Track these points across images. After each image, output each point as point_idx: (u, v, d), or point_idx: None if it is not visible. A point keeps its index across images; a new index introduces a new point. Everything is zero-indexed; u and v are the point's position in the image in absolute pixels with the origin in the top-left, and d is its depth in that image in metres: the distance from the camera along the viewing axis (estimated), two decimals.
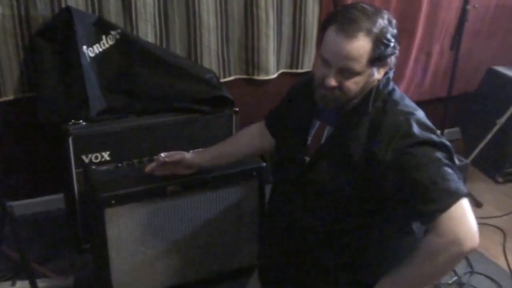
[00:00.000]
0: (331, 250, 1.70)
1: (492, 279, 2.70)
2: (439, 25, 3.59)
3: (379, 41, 1.54)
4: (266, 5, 3.07)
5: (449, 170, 1.52)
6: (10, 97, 2.75)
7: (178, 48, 3.00)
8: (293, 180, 1.74)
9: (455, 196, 1.48)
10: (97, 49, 2.68)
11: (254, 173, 2.36)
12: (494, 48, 3.86)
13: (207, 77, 2.82)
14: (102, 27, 2.69)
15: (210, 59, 3.08)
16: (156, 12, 2.90)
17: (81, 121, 2.54)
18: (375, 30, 1.53)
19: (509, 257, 2.86)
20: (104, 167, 2.39)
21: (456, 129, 4.03)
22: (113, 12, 2.79)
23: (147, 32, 2.89)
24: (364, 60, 1.54)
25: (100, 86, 2.66)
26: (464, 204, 1.49)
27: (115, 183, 2.20)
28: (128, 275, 2.25)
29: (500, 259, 2.86)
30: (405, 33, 3.50)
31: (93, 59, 2.64)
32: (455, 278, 2.66)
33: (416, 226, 1.73)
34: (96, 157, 2.55)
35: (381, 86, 1.64)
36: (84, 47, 2.58)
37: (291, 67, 3.36)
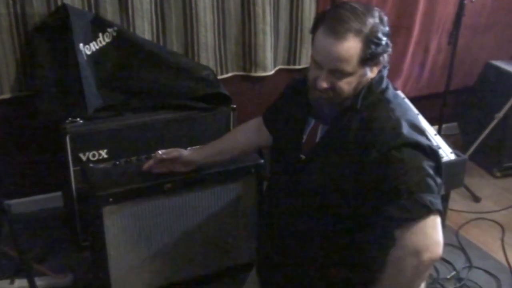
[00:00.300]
0: (326, 248, 1.70)
1: (491, 273, 2.70)
2: (436, 20, 3.59)
3: (369, 41, 1.52)
4: (263, 2, 3.06)
5: (431, 182, 1.50)
6: (7, 95, 2.74)
7: (175, 45, 3.00)
8: (288, 178, 1.74)
9: (426, 210, 1.47)
10: (93, 46, 2.67)
11: (252, 170, 2.36)
12: (492, 43, 3.86)
13: (204, 74, 2.82)
14: (98, 24, 2.69)
15: (207, 56, 3.08)
16: (153, 9, 2.89)
17: (78, 119, 2.53)
18: (365, 29, 1.51)
19: (507, 252, 2.86)
20: (101, 165, 2.38)
21: (454, 124, 4.03)
22: (109, 10, 2.78)
23: (144, 29, 2.88)
24: (355, 60, 1.53)
25: (97, 83, 2.66)
26: (434, 219, 1.48)
27: (112, 181, 2.20)
28: (126, 272, 2.24)
29: (498, 253, 2.86)
30: (403, 28, 3.50)
31: (89, 56, 2.64)
32: (453, 273, 2.67)
33: None
34: (94, 155, 2.55)
35: (373, 84, 1.63)
36: (81, 44, 2.58)
37: (288, 64, 3.35)
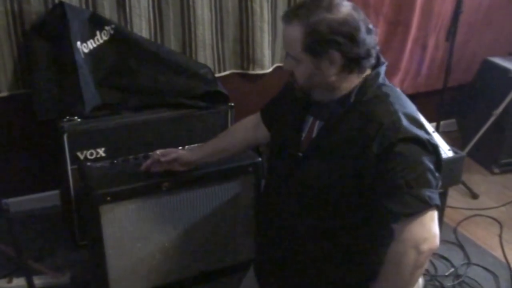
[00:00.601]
0: (324, 246, 1.69)
1: (489, 270, 2.70)
2: (434, 17, 3.59)
3: (312, 30, 1.53)
4: None
5: (430, 177, 1.51)
6: (4, 93, 2.74)
7: (172, 43, 3.00)
8: (286, 175, 1.74)
9: (425, 205, 1.49)
10: (91, 44, 2.66)
11: (250, 169, 2.35)
12: (490, 39, 3.86)
13: (202, 72, 2.81)
14: (96, 22, 2.68)
15: (205, 54, 3.07)
16: (151, 7, 2.89)
17: (75, 117, 2.53)
18: (311, 18, 1.53)
19: (505, 248, 2.86)
20: (99, 164, 2.37)
21: (452, 120, 4.03)
22: (107, 7, 2.77)
23: (142, 27, 2.88)
24: (298, 46, 1.56)
25: (94, 82, 2.65)
26: (431, 214, 1.50)
27: (110, 179, 2.20)
28: (124, 271, 2.25)
29: (496, 250, 2.86)
30: (401, 25, 3.50)
31: (87, 55, 2.63)
32: (452, 269, 2.67)
33: None
34: (91, 154, 2.55)
35: (368, 80, 1.63)
36: (78, 42, 2.57)
37: None
